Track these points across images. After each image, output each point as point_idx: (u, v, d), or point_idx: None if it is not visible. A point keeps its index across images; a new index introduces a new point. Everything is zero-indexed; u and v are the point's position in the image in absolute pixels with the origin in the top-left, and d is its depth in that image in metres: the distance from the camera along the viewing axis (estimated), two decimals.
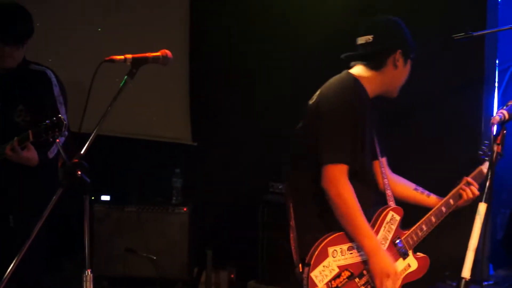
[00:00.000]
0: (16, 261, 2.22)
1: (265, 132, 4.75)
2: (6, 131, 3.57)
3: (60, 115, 3.36)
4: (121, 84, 2.38)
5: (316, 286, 2.50)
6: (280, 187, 4.48)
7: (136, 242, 4.78)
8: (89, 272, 2.20)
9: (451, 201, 2.88)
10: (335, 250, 2.54)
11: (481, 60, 4.30)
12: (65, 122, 3.34)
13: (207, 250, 4.68)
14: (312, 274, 2.50)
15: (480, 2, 4.24)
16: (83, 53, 5.21)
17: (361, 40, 2.75)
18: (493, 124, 2.13)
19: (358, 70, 2.76)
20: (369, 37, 2.72)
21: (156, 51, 2.50)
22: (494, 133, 2.12)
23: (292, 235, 2.69)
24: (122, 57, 2.39)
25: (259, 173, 4.72)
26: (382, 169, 2.85)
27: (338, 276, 2.54)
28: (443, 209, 2.85)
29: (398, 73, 2.76)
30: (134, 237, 4.80)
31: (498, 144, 2.10)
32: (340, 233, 2.56)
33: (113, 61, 2.38)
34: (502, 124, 2.13)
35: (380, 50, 2.71)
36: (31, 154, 3.51)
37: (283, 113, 4.53)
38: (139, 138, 5.22)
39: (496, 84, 4.48)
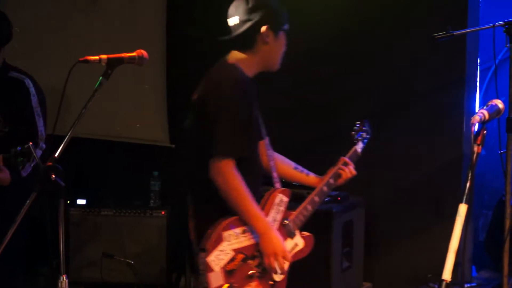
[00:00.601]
0: None
1: None
2: None
3: (28, 145, 3.15)
4: (96, 86, 2.37)
5: (213, 270, 2.59)
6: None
7: (113, 247, 4.76)
8: (64, 277, 2.20)
9: (331, 180, 2.96)
10: (229, 234, 2.63)
11: (462, 60, 4.34)
12: (33, 153, 3.13)
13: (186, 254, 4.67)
14: (209, 259, 2.58)
15: (461, 1, 4.28)
16: (58, 56, 5.20)
17: (229, 23, 2.78)
18: (473, 124, 2.15)
19: (234, 54, 2.78)
20: (236, 19, 2.75)
21: (132, 52, 2.50)
22: (475, 133, 2.13)
23: (190, 224, 2.76)
24: (97, 57, 2.39)
25: None
26: (268, 150, 2.89)
27: (233, 259, 2.64)
28: (325, 188, 2.93)
29: (271, 48, 2.74)
30: (111, 241, 4.77)
31: (478, 145, 2.11)
32: (235, 217, 2.66)
33: (87, 61, 2.38)
34: (482, 124, 2.14)
35: (246, 30, 2.71)
36: (3, 175, 3.47)
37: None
38: (116, 140, 5.19)
39: (477, 84, 4.52)
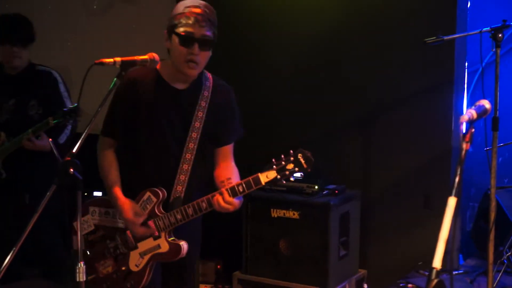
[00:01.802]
0: (26, 233, 2.22)
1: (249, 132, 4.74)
2: (21, 123, 3.96)
3: (75, 104, 3.73)
4: (110, 86, 2.38)
5: (75, 234, 2.86)
6: None
7: None
8: (81, 264, 2.19)
9: (203, 204, 2.67)
10: (94, 210, 2.88)
11: (451, 63, 4.32)
12: (80, 108, 3.70)
13: None
14: (74, 223, 2.88)
15: (450, 7, 4.27)
16: (71, 57, 5.22)
17: None
18: (461, 123, 2.14)
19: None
20: None
21: (144, 54, 2.50)
22: (463, 132, 2.12)
23: None
24: (111, 60, 2.39)
25: (243, 168, 4.71)
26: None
27: (93, 232, 2.88)
28: (203, 204, 2.66)
29: (173, 52, 2.70)
30: None
31: (466, 142, 2.10)
32: (104, 197, 2.88)
33: (102, 64, 2.36)
34: (470, 123, 2.14)
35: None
36: (44, 142, 3.88)
37: (256, 115, 4.62)
38: None
39: (465, 86, 4.51)
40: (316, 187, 4.26)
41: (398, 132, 4.46)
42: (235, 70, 4.68)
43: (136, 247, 2.80)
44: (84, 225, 2.86)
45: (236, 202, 2.63)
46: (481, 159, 3.88)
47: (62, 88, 4.11)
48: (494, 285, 3.74)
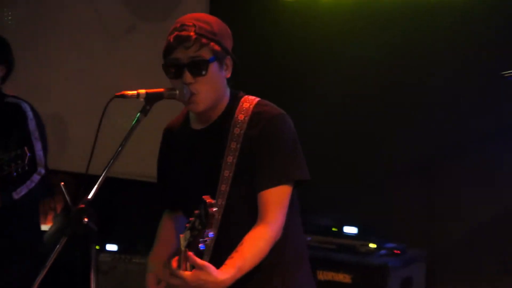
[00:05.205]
0: None
1: None
2: None
3: (23, 148, 3.42)
4: (133, 122, 2.39)
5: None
6: None
7: None
8: None
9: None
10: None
11: None
12: (27, 154, 3.39)
13: None
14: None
15: None
16: (83, 86, 5.35)
17: None
18: None
19: None
20: None
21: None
22: None
23: None
24: (134, 92, 2.40)
25: None
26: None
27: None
28: None
29: None
30: None
31: None
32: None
33: (124, 96, 2.38)
34: None
35: None
36: None
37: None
38: (149, 180, 5.25)
39: None
40: (372, 245, 4.25)
41: (469, 178, 4.44)
42: (278, 98, 4.70)
43: None
44: None
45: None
46: None
47: (32, 125, 3.85)
48: None
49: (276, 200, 2.49)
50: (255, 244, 2.43)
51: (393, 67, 4.66)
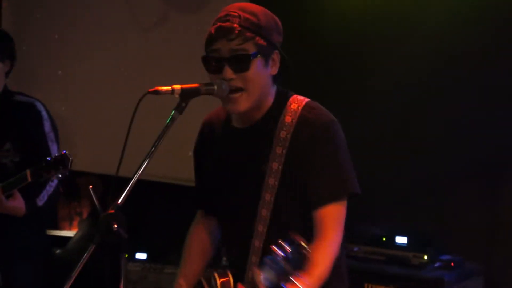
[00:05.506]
0: None
1: None
2: None
3: (64, 152, 3.42)
4: (167, 121, 2.35)
5: None
6: None
7: None
8: None
9: None
10: None
11: None
12: (70, 158, 3.39)
13: None
14: None
15: None
16: (120, 81, 5.29)
17: None
18: None
19: None
20: None
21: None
22: None
23: None
24: (169, 88, 2.36)
25: None
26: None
27: None
28: None
29: None
30: None
31: None
32: None
33: (158, 92, 2.33)
34: None
35: None
36: (17, 203, 3.54)
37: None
38: (182, 184, 5.15)
39: None
40: (426, 257, 4.19)
41: None
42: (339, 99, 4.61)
43: None
44: None
45: None
46: None
47: (47, 126, 3.77)
48: None
49: (335, 217, 2.46)
50: (322, 263, 2.38)
51: (452, 66, 4.55)
